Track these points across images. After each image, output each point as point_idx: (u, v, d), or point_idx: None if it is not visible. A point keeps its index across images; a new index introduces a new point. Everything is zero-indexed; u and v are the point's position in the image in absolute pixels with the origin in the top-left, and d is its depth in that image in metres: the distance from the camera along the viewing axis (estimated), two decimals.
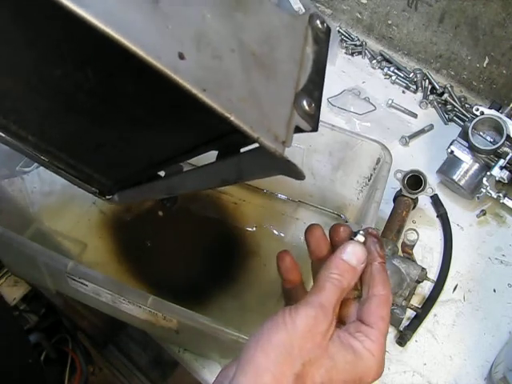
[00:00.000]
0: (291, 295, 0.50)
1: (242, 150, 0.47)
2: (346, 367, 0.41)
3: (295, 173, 0.40)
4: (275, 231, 0.87)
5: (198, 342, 0.72)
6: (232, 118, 0.35)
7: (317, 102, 0.42)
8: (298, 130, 0.40)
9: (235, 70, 0.37)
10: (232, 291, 0.79)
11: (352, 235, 0.46)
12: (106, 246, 0.83)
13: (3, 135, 0.56)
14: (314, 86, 0.44)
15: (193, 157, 0.52)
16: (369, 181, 0.82)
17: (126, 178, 0.64)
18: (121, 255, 0.82)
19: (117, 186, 0.65)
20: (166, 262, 0.82)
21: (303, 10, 1.18)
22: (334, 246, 0.47)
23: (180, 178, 0.57)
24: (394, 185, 0.90)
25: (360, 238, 0.45)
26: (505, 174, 0.89)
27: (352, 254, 0.44)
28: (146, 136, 0.52)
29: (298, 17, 0.46)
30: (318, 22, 0.47)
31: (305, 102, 0.41)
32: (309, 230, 0.48)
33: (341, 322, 0.45)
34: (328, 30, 0.48)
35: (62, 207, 0.73)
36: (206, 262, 0.84)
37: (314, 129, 0.41)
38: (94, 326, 1.07)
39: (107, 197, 0.66)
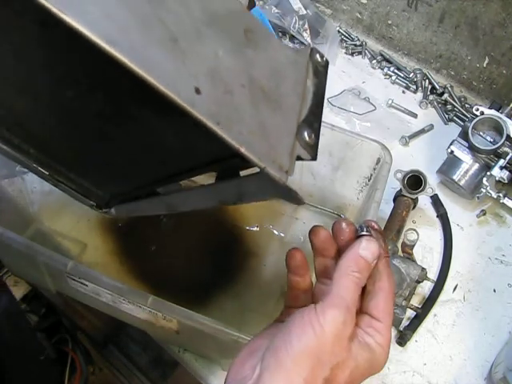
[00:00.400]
0: (297, 294, 0.49)
1: (242, 173, 0.48)
2: (365, 365, 0.42)
3: (296, 199, 0.42)
4: (275, 231, 0.87)
5: (198, 342, 0.72)
6: (242, 150, 0.37)
7: (316, 132, 0.45)
8: (299, 158, 0.43)
9: (245, 104, 0.40)
10: (232, 291, 0.79)
11: (355, 230, 0.47)
12: (105, 246, 0.83)
13: (5, 147, 0.57)
14: (314, 118, 0.46)
15: (191, 177, 0.53)
16: (369, 181, 0.82)
17: (124, 193, 0.65)
18: (121, 255, 0.82)
19: (114, 199, 0.66)
20: (166, 261, 0.82)
21: (303, 11, 1.18)
22: (340, 245, 0.47)
23: (179, 196, 0.57)
24: (393, 185, 0.90)
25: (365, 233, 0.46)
26: (505, 174, 0.89)
27: (368, 250, 0.44)
28: (148, 156, 0.53)
29: (300, 51, 0.49)
30: (318, 56, 0.50)
31: (306, 134, 0.43)
32: (313, 231, 0.48)
33: None
34: (326, 64, 0.51)
35: (62, 207, 0.73)
36: (206, 262, 0.84)
37: (314, 158, 0.44)
38: (94, 326, 1.07)
39: (104, 210, 0.67)
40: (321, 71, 0.49)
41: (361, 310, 0.45)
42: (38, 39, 0.40)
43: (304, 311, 0.41)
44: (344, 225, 0.47)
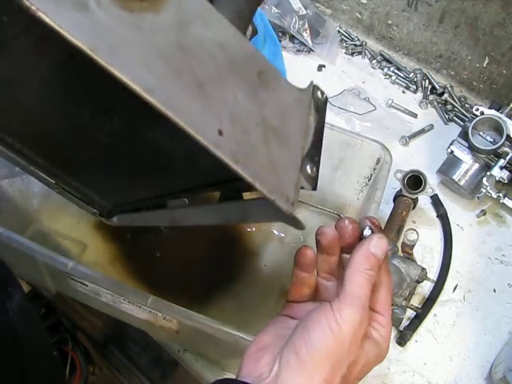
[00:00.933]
0: (302, 290, 0.50)
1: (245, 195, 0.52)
2: (373, 360, 0.44)
3: (298, 225, 0.45)
4: (275, 231, 0.87)
5: (198, 342, 0.72)
6: (256, 185, 0.41)
7: (317, 165, 0.49)
8: (301, 189, 0.47)
9: (259, 142, 0.44)
10: (232, 291, 0.79)
11: (358, 228, 0.47)
12: (106, 247, 0.83)
13: (16, 157, 0.60)
14: (315, 151, 0.50)
15: (195, 194, 0.56)
16: (369, 181, 0.82)
17: (127, 203, 0.68)
18: (121, 255, 0.82)
19: (117, 208, 0.68)
20: (165, 261, 0.82)
21: (303, 11, 1.18)
22: (346, 242, 0.48)
23: (184, 211, 0.60)
24: (394, 185, 0.90)
25: (369, 231, 0.47)
26: (505, 174, 0.89)
27: (378, 247, 0.44)
28: (155, 172, 0.55)
29: (303, 90, 0.53)
30: (319, 93, 0.55)
31: (308, 167, 0.48)
32: (321, 232, 0.48)
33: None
34: (326, 99, 0.56)
35: (62, 207, 0.73)
36: (206, 262, 0.83)
37: (314, 189, 0.48)
38: (94, 326, 1.07)
39: (106, 218, 0.70)
40: (321, 107, 0.54)
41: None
42: (66, 70, 0.42)
43: (320, 309, 0.41)
44: (347, 222, 0.47)
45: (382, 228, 0.49)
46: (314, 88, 0.54)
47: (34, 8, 0.32)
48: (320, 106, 0.54)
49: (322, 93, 0.55)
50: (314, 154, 0.49)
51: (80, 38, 0.33)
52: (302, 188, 0.47)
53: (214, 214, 0.56)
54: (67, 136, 0.54)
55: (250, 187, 0.42)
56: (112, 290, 0.61)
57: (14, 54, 0.43)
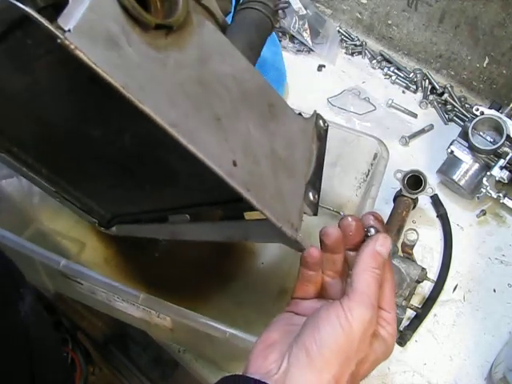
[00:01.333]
0: (307, 287, 0.50)
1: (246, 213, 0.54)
2: (380, 357, 0.45)
3: (299, 249, 0.48)
4: None
5: (193, 341, 0.72)
6: (265, 212, 0.44)
7: (318, 191, 0.52)
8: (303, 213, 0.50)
9: (268, 172, 0.47)
10: (230, 290, 0.79)
11: (362, 225, 0.48)
12: (104, 246, 0.83)
13: (19, 166, 0.62)
14: (316, 178, 0.53)
15: (198, 211, 0.58)
16: (366, 177, 0.81)
17: (127, 215, 0.69)
18: (119, 255, 0.82)
19: (116, 219, 0.68)
20: (164, 261, 0.82)
21: (303, 11, 1.18)
22: (351, 240, 0.48)
23: (185, 227, 0.61)
24: (394, 185, 0.90)
25: (373, 230, 0.47)
26: (505, 174, 0.89)
27: (384, 246, 0.45)
28: (158, 188, 0.57)
29: (308, 119, 0.56)
30: (321, 121, 0.57)
31: (310, 194, 0.51)
32: (325, 234, 0.48)
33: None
34: (327, 127, 0.58)
35: (61, 207, 0.72)
36: (205, 262, 0.83)
37: (315, 214, 0.51)
38: (94, 326, 1.07)
39: (106, 228, 0.71)
40: (323, 134, 0.57)
41: None
42: (85, 91, 0.44)
43: (330, 307, 0.42)
44: (350, 220, 0.47)
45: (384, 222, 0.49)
46: (317, 117, 0.57)
47: (72, 47, 0.34)
48: (322, 134, 0.57)
49: (324, 121, 0.58)
50: (315, 180, 0.53)
51: (113, 76, 0.36)
52: (304, 213, 0.49)
53: (215, 231, 0.57)
54: (74, 149, 0.55)
55: (251, 208, 0.45)
56: (104, 288, 0.62)
57: (33, 74, 0.45)
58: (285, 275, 0.81)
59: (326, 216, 0.89)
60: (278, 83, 1.06)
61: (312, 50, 1.19)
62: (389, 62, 1.18)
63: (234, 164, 0.43)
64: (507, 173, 0.89)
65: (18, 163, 0.62)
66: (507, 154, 0.88)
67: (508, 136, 0.88)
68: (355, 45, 1.21)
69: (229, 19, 0.60)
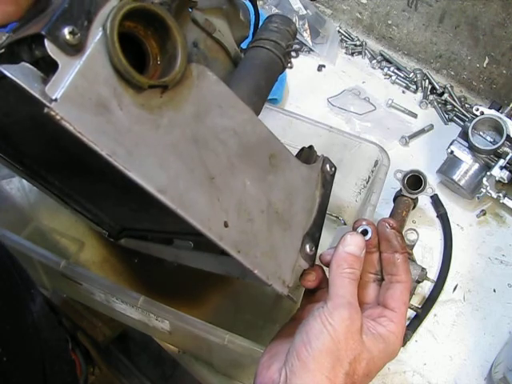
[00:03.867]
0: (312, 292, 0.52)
1: None
2: (380, 356, 0.45)
3: (291, 301, 0.47)
4: None
5: (191, 344, 0.72)
6: (255, 272, 0.43)
7: (316, 242, 0.50)
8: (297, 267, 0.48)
9: (262, 229, 0.45)
10: (228, 292, 0.79)
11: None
12: (103, 245, 0.82)
13: (32, 177, 0.63)
14: (316, 228, 0.51)
15: (199, 240, 0.57)
16: (367, 183, 0.82)
17: (135, 230, 0.69)
18: (117, 255, 0.82)
19: (125, 232, 0.70)
20: (163, 262, 0.82)
21: (303, 11, 1.18)
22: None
23: (188, 253, 0.61)
24: (394, 185, 0.90)
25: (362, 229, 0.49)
26: (505, 174, 0.89)
27: (353, 244, 0.46)
28: (161, 214, 0.55)
29: (313, 166, 0.53)
30: (328, 166, 0.55)
31: (308, 247, 0.48)
32: (302, 278, 0.50)
33: (359, 303, 0.46)
34: (334, 172, 0.56)
35: (60, 206, 0.73)
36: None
37: (311, 266, 0.49)
38: (94, 326, 1.07)
39: (115, 239, 0.72)
40: (328, 180, 0.55)
41: (378, 303, 0.48)
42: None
43: (315, 313, 0.44)
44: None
45: (398, 227, 0.50)
46: (324, 161, 0.55)
47: (58, 117, 0.33)
48: (327, 179, 0.54)
49: (332, 166, 0.55)
50: (314, 232, 0.50)
51: (99, 143, 0.34)
52: (299, 267, 0.48)
53: (214, 263, 0.57)
54: (80, 169, 0.55)
55: None
56: (104, 290, 0.61)
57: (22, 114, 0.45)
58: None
59: (326, 221, 0.89)
60: (278, 83, 1.05)
61: (312, 50, 1.19)
62: (389, 61, 1.18)
63: (226, 225, 0.41)
64: (507, 173, 0.89)
65: (30, 174, 0.62)
66: (507, 154, 0.88)
67: (508, 136, 0.88)
68: (355, 45, 1.21)
69: (245, 44, 0.58)
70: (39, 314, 0.53)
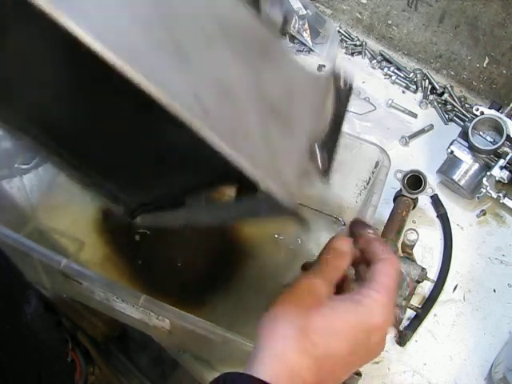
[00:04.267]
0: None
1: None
2: (347, 315, 0.41)
3: (302, 222, 0.40)
4: (275, 234, 0.87)
5: (191, 343, 0.72)
6: (241, 160, 0.35)
7: (329, 155, 0.43)
8: (310, 181, 0.42)
9: (253, 119, 0.37)
10: (228, 293, 0.79)
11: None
12: (103, 245, 0.82)
13: (40, 148, 0.55)
14: (329, 140, 0.44)
15: (213, 190, 0.53)
16: (367, 184, 0.82)
17: (149, 202, 0.64)
18: (118, 254, 0.82)
19: (141, 208, 0.66)
20: (162, 261, 0.82)
21: (303, 11, 1.18)
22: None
23: (201, 210, 0.58)
24: (394, 185, 0.90)
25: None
26: (505, 174, 0.88)
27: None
28: (172, 170, 0.52)
29: (321, 76, 0.47)
30: (342, 82, 0.48)
31: (319, 156, 0.42)
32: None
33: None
34: (350, 90, 0.49)
35: (60, 205, 0.73)
36: (203, 264, 0.83)
37: (326, 182, 0.43)
38: (94, 326, 1.07)
39: (131, 217, 0.66)
40: (342, 96, 0.48)
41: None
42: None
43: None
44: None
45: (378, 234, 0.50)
46: (337, 74, 0.48)
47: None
48: (342, 94, 0.47)
49: (346, 83, 0.48)
50: (328, 144, 0.43)
51: None
52: (308, 178, 0.41)
53: (228, 211, 0.54)
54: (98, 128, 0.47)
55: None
56: (105, 289, 0.61)
57: None
58: (283, 279, 0.80)
59: (326, 222, 0.89)
60: None
61: (312, 50, 1.19)
62: (389, 61, 1.18)
63: (197, 97, 0.32)
64: (507, 173, 0.89)
65: (39, 146, 0.54)
66: (507, 153, 0.88)
67: (508, 136, 0.88)
68: (355, 45, 1.21)
69: None
70: (34, 316, 0.53)
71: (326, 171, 0.42)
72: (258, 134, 0.37)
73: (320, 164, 0.41)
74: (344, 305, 0.41)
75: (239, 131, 0.36)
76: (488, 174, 0.90)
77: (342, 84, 0.48)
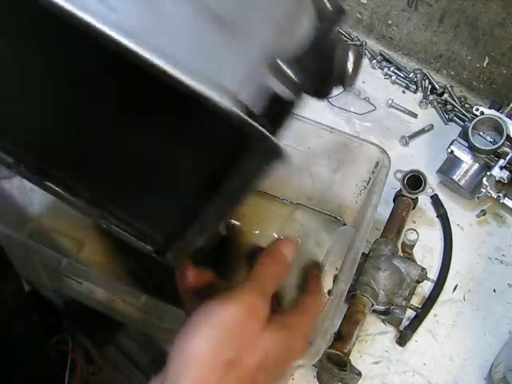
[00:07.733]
0: None
1: None
2: (281, 348, 0.41)
3: (264, 137, 0.32)
4: (275, 234, 0.87)
5: None
6: (164, 66, 0.28)
7: (303, 71, 0.34)
8: (276, 96, 0.33)
9: (180, 17, 0.30)
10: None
11: None
12: (104, 245, 0.82)
13: (55, 188, 0.47)
14: (306, 57, 0.36)
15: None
16: (367, 184, 0.82)
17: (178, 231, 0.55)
18: (118, 254, 0.82)
19: (171, 242, 0.54)
20: (161, 262, 0.82)
21: None
22: None
23: None
24: (394, 185, 0.90)
25: None
26: (505, 174, 0.89)
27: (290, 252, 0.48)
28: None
29: None
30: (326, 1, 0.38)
31: (285, 67, 0.33)
32: None
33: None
34: (339, 12, 0.39)
35: (61, 205, 0.72)
36: (202, 264, 0.83)
37: (297, 97, 0.34)
38: (94, 326, 1.07)
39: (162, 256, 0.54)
40: (328, 17, 0.39)
41: None
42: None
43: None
44: None
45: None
46: None
47: None
48: (327, 15, 0.39)
49: (332, 1, 0.39)
50: (302, 62, 0.35)
51: None
52: (278, 97, 0.33)
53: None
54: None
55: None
56: (105, 289, 0.61)
57: None
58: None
59: (326, 221, 0.89)
60: None
61: None
62: (389, 61, 1.18)
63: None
64: (507, 173, 0.89)
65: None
66: (507, 153, 0.88)
67: (508, 136, 0.88)
68: (355, 45, 1.21)
69: None
70: (12, 307, 0.52)
71: (296, 85, 0.34)
72: (187, 31, 0.31)
73: (287, 74, 0.33)
74: (279, 337, 0.42)
75: (159, 26, 0.30)
76: (488, 174, 0.90)
77: (326, 2, 0.39)
